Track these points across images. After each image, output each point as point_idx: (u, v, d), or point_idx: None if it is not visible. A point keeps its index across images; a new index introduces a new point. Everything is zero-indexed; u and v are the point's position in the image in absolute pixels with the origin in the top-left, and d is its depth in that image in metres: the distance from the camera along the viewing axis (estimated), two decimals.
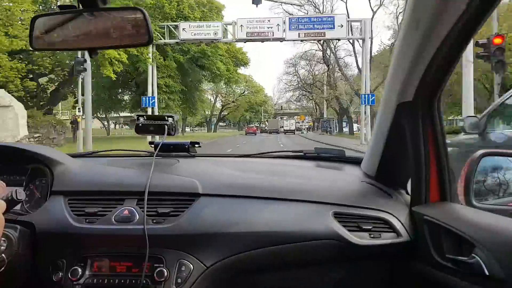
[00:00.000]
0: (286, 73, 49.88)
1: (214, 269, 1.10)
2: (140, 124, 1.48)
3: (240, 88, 60.19)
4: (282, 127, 57.33)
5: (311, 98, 53.83)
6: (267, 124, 63.60)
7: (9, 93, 14.10)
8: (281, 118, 64.20)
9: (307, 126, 58.01)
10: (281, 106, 68.96)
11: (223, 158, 1.76)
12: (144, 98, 20.86)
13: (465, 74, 10.51)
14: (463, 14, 0.81)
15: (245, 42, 22.77)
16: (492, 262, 0.80)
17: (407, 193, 1.27)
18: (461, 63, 9.90)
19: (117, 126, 67.29)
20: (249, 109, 67.75)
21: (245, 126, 64.89)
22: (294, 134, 50.52)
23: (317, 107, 57.96)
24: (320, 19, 21.67)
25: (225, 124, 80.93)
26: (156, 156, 1.40)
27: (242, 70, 37.24)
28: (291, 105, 65.84)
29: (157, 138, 1.69)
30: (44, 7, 20.18)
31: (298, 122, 62.12)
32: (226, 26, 21.72)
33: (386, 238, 1.10)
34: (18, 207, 1.15)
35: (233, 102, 63.13)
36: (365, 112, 20.70)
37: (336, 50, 36.55)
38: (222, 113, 65.94)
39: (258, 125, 69.45)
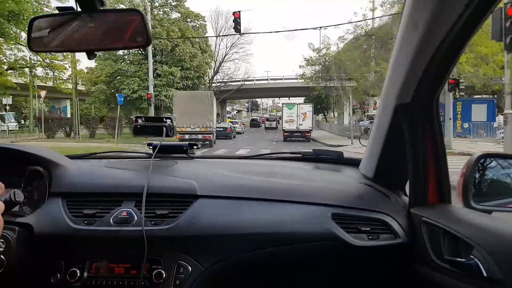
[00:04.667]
0: None
1: (212, 271, 1.09)
2: (139, 126, 1.48)
3: None
4: (271, 120, 31.92)
5: None
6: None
7: None
8: (274, 102, 33.62)
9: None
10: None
11: (221, 160, 1.76)
12: None
13: None
14: (462, 15, 0.81)
15: None
16: (490, 263, 0.80)
17: (406, 194, 1.27)
18: None
19: None
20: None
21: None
22: (309, 141, 22.20)
23: None
24: None
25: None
26: (154, 158, 1.40)
27: None
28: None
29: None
30: None
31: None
32: None
33: (384, 240, 1.10)
34: (16, 208, 1.15)
35: None
36: None
37: None
38: None
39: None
